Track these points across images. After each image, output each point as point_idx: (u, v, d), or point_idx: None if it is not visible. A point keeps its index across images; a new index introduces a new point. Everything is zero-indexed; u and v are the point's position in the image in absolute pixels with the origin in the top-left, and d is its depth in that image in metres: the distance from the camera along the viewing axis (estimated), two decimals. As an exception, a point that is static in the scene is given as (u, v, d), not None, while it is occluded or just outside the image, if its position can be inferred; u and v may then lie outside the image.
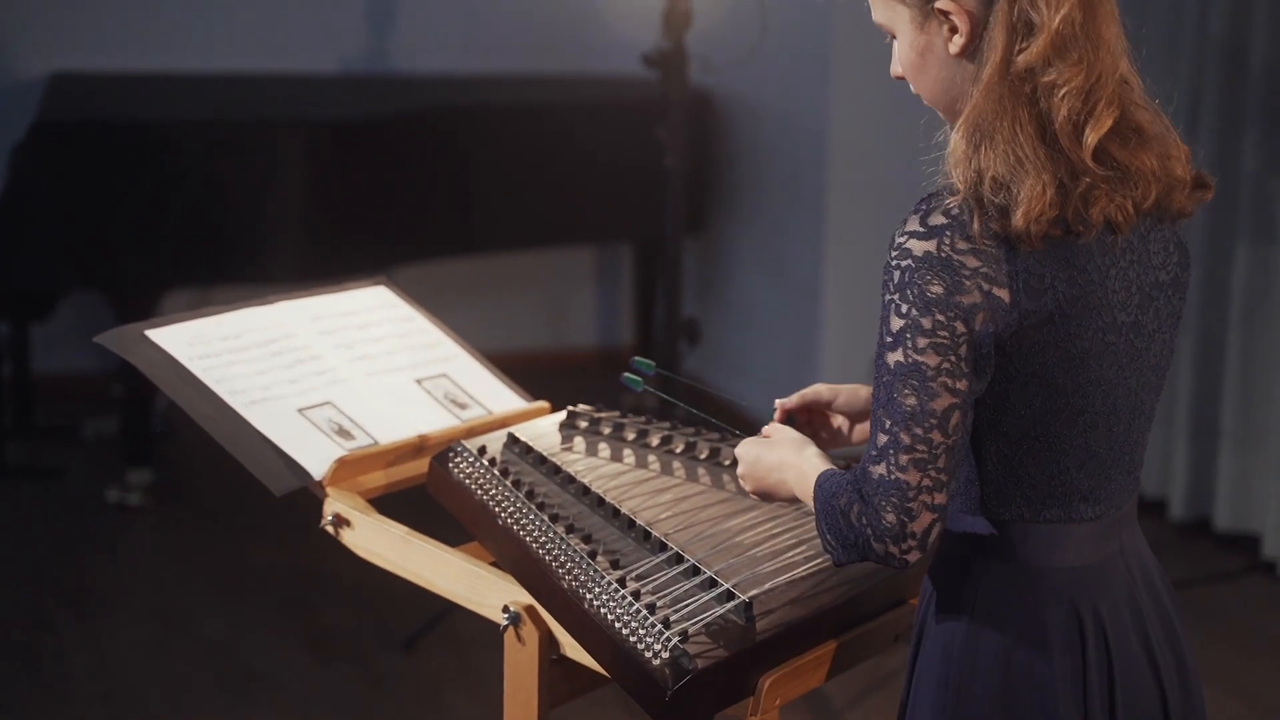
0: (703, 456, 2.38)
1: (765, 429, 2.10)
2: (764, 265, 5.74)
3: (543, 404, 2.59)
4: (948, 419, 1.74)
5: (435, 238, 5.33)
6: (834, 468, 1.91)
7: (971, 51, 1.80)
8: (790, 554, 2.16)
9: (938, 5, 1.80)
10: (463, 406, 2.53)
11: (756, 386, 5.65)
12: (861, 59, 5.21)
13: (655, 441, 2.40)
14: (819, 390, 2.17)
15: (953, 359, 1.73)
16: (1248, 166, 4.71)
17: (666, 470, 2.35)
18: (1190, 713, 1.93)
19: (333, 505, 2.29)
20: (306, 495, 2.35)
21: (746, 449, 2.05)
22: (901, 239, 1.76)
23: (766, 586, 2.07)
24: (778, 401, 2.18)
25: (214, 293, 5.45)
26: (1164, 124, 1.83)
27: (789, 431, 2.05)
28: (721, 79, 5.41)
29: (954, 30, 1.80)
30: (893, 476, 1.75)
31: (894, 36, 1.88)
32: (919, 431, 1.74)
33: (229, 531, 4.92)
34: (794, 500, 2.00)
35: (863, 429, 2.16)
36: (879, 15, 1.88)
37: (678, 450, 2.39)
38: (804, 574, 2.12)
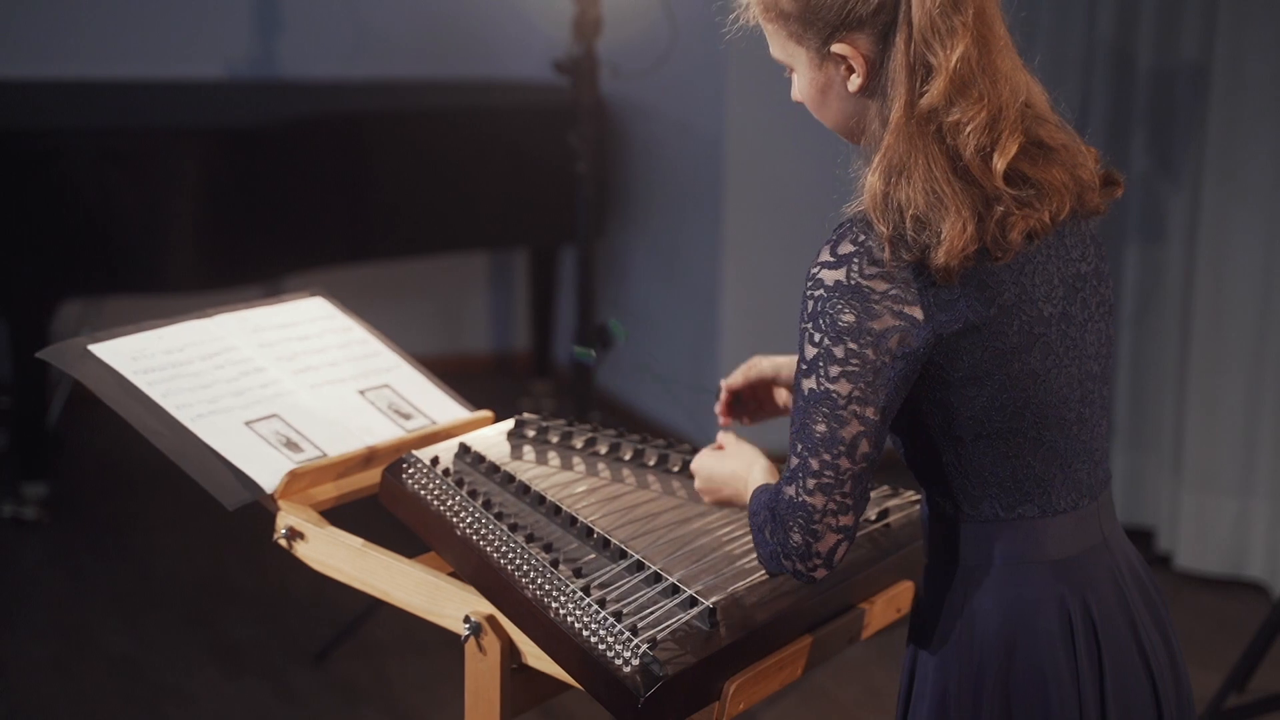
0: (651, 463, 2.40)
1: (719, 438, 2.16)
2: (661, 270, 5.77)
3: (486, 413, 2.59)
4: (855, 446, 1.81)
5: (330, 245, 5.29)
6: (773, 483, 1.97)
7: (871, 89, 1.85)
8: (745, 559, 2.18)
9: (833, 49, 1.84)
10: (407, 417, 2.52)
11: (655, 391, 5.67)
12: (758, 66, 5.26)
13: (603, 449, 2.41)
14: (760, 367, 2.26)
15: (863, 386, 1.79)
16: (1136, 168, 4.81)
17: (616, 477, 2.36)
18: (1181, 700, 1.98)
19: (286, 518, 2.27)
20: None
21: (701, 462, 2.14)
22: (815, 270, 1.81)
23: (727, 592, 2.09)
24: (722, 382, 2.27)
25: (107, 303, 5.38)
26: (1068, 133, 1.89)
27: (743, 445, 2.12)
28: (615, 86, 5.43)
29: (850, 70, 1.85)
30: (800, 499, 1.83)
31: (791, 70, 1.93)
32: (827, 458, 1.81)
33: (129, 545, 4.86)
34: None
35: None
36: (777, 52, 1.93)
37: (626, 457, 2.41)
38: (760, 579, 2.14)
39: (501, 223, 5.59)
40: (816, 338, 1.79)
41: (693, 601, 2.05)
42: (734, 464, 2.08)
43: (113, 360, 2.33)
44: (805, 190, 5.37)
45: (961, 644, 1.92)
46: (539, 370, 6.08)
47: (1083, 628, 1.90)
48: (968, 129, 1.78)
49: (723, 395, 2.24)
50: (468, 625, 2.13)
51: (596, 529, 2.18)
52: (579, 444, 2.42)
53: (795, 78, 1.93)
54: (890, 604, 2.28)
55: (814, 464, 1.81)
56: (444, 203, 5.43)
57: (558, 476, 2.34)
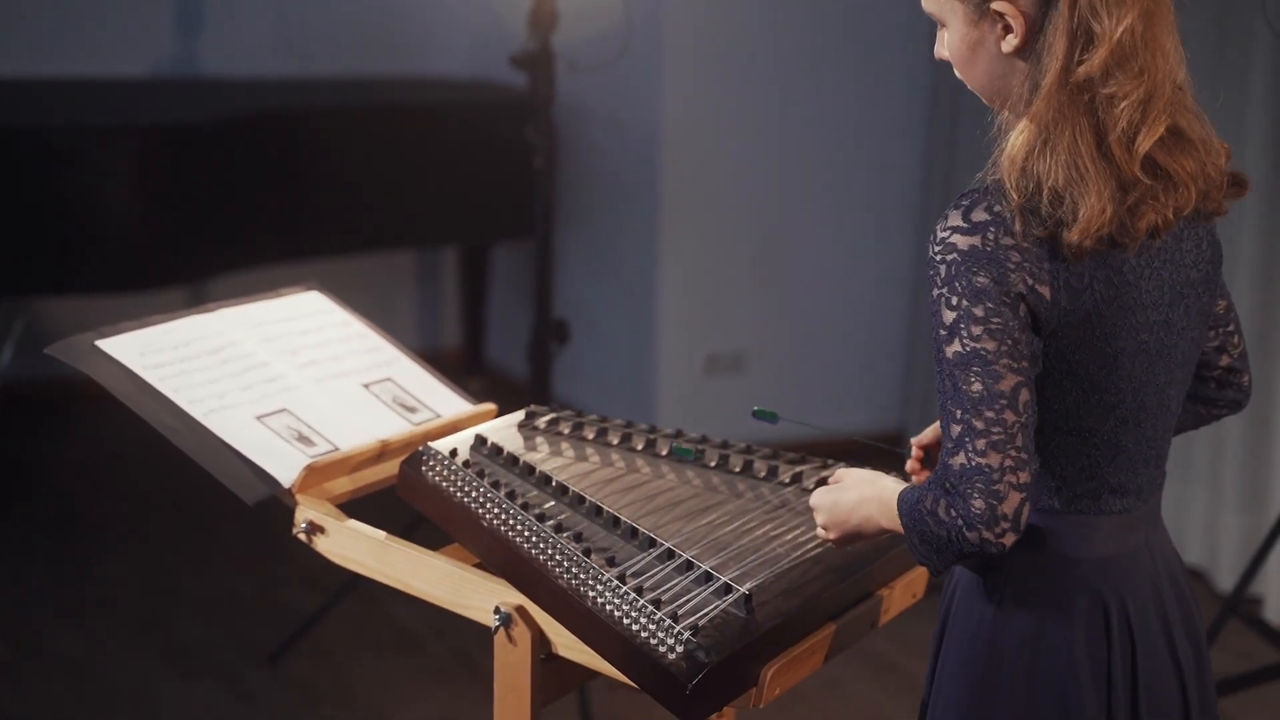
0: (663, 453, 2.40)
1: (834, 475, 2.10)
2: (597, 268, 5.76)
3: (489, 406, 2.59)
4: (1017, 397, 1.77)
5: (260, 245, 5.23)
6: (911, 484, 1.93)
7: (1025, 51, 1.82)
8: (770, 547, 2.20)
9: (993, 6, 1.82)
10: (411, 410, 2.51)
11: (591, 389, 5.67)
12: (696, 64, 5.28)
13: (615, 440, 2.42)
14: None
15: (1009, 342, 1.77)
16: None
17: (631, 468, 2.37)
18: (1206, 709, 2.00)
19: (305, 512, 2.25)
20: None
21: (821, 498, 2.05)
22: (945, 233, 1.79)
23: (759, 579, 2.10)
24: (912, 440, 2.19)
25: (34, 304, 5.29)
26: (1205, 125, 1.86)
27: (858, 471, 2.07)
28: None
29: (1008, 30, 1.82)
30: (974, 463, 1.77)
31: (943, 25, 1.89)
32: (990, 415, 1.76)
33: (68, 548, 4.78)
34: (883, 534, 1.99)
35: None
36: (930, 6, 1.89)
37: (638, 447, 2.41)
38: (788, 566, 2.15)
39: (435, 220, 5.56)
40: (954, 301, 1.77)
41: (727, 589, 2.06)
42: (857, 490, 2.00)
43: (122, 356, 2.30)
44: (742, 189, 5.40)
45: (993, 624, 1.92)
46: (470, 368, 6.06)
47: (1119, 624, 1.91)
48: (1122, 104, 1.76)
49: (915, 452, 2.17)
50: (498, 616, 2.12)
51: (624, 518, 2.18)
52: (590, 434, 2.41)
53: (943, 34, 1.89)
54: (907, 589, 2.31)
55: (978, 424, 1.76)
56: (376, 201, 5.39)
57: (575, 467, 2.34)
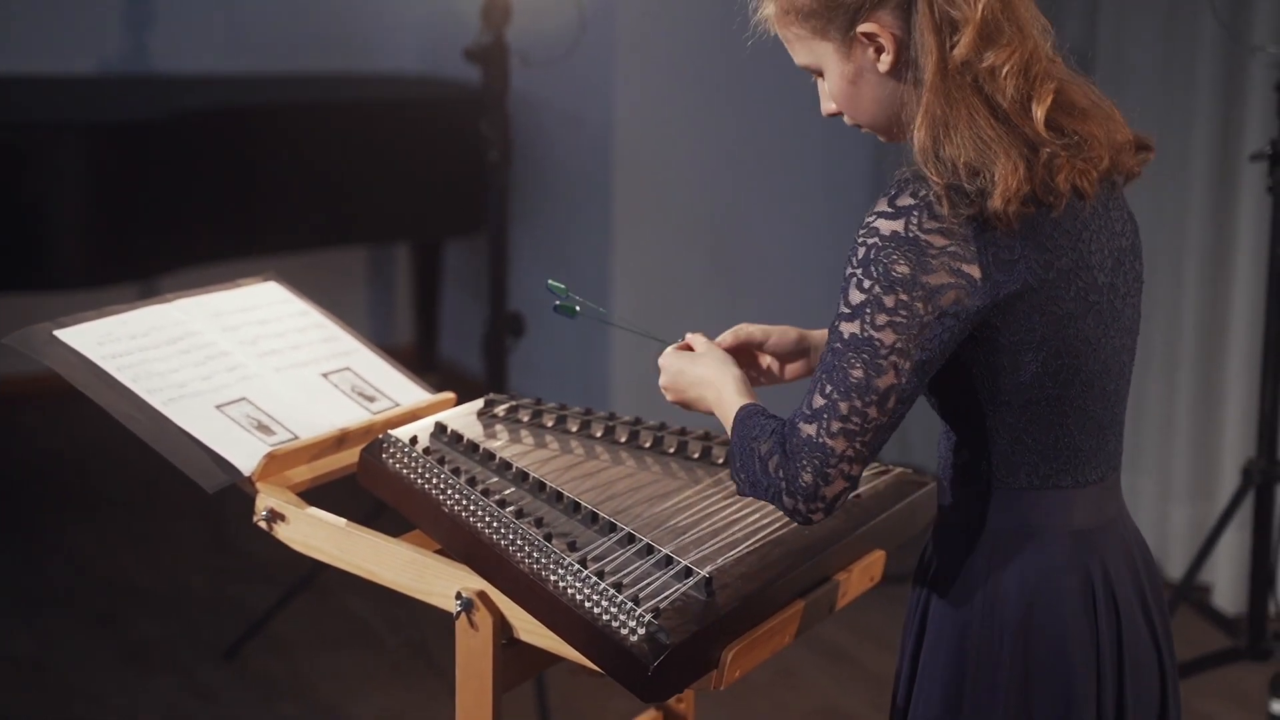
0: (622, 440, 2.42)
1: (688, 337, 2.16)
2: (547, 263, 5.77)
3: (448, 395, 2.60)
4: (886, 398, 1.81)
5: (212, 240, 5.21)
6: (755, 402, 1.99)
7: (901, 68, 1.87)
8: (730, 531, 2.21)
9: (861, 30, 1.87)
10: (370, 399, 2.52)
11: (545, 382, 5.68)
12: (647, 54, 5.30)
13: (574, 427, 2.43)
14: (750, 331, 2.23)
15: (907, 339, 1.80)
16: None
17: (591, 455, 2.38)
18: (1174, 675, 2.04)
19: (266, 500, 2.25)
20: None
21: (669, 360, 2.13)
22: (870, 219, 1.82)
23: (717, 563, 2.12)
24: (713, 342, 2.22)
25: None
26: (1097, 94, 1.92)
27: (713, 348, 2.12)
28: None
29: (880, 50, 1.87)
30: (820, 440, 1.83)
31: (820, 75, 1.95)
32: (858, 404, 1.81)
33: (19, 545, 4.76)
34: (711, 414, 2.07)
35: (794, 368, 2.24)
36: (802, 59, 1.95)
37: (597, 435, 2.42)
38: (747, 549, 2.17)
39: (388, 217, 5.56)
40: (866, 284, 1.80)
41: (687, 572, 2.07)
42: (706, 369, 2.07)
43: (80, 346, 2.30)
44: (695, 182, 5.42)
45: (982, 606, 1.95)
46: (424, 365, 6.06)
47: (1103, 596, 1.94)
48: (1003, 72, 1.81)
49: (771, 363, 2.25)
50: (459, 601, 2.12)
51: (584, 503, 2.19)
52: (549, 422, 2.43)
53: (823, 83, 1.95)
54: (865, 573, 2.32)
55: (843, 408, 1.81)
56: (329, 198, 5.38)
57: (534, 454, 2.35)
